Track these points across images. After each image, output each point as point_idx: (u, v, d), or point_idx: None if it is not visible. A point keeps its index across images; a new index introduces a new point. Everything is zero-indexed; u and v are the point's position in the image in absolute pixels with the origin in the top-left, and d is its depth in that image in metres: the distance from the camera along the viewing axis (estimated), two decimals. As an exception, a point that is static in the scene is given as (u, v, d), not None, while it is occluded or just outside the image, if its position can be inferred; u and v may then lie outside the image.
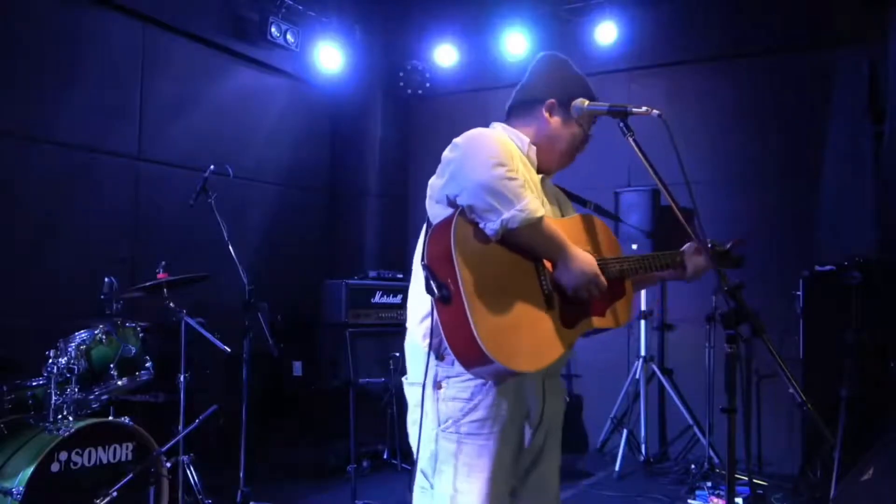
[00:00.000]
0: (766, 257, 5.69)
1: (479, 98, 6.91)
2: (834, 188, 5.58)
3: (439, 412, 2.03)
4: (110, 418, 3.66)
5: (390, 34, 6.90)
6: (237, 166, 4.64)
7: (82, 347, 3.67)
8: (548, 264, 2.09)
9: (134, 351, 3.85)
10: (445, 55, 6.70)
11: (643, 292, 5.86)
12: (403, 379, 2.20)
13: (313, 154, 6.74)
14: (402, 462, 5.51)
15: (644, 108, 2.15)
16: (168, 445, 3.82)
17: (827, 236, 5.52)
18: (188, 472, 4.05)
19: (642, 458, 5.77)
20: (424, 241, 2.04)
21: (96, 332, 3.75)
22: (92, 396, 3.71)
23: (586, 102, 2.24)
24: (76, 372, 3.53)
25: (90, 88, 4.88)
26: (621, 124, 2.16)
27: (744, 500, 4.57)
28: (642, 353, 5.84)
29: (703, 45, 6.03)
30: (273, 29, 5.93)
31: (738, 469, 4.63)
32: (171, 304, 4.03)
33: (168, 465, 3.79)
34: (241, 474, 4.11)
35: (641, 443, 5.82)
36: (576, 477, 5.45)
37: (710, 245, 2.40)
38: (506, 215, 1.90)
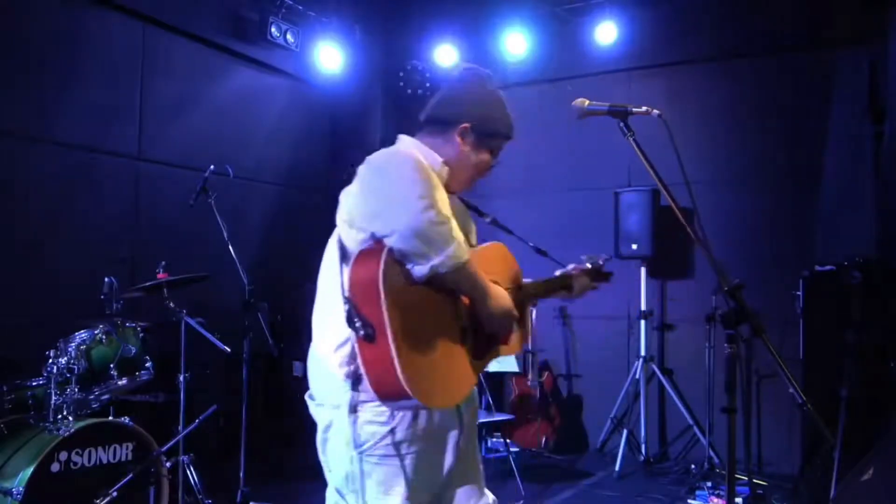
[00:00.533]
0: (766, 257, 5.70)
1: (479, 98, 6.90)
2: (834, 188, 5.58)
3: (356, 435, 2.02)
4: (110, 418, 3.66)
5: (390, 34, 6.90)
6: (237, 166, 4.64)
7: (82, 347, 3.67)
8: (465, 299, 2.12)
9: (134, 351, 3.85)
10: (445, 55, 6.70)
11: (643, 293, 5.86)
12: (308, 398, 2.18)
13: (313, 154, 6.74)
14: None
15: (644, 108, 2.16)
16: (168, 445, 3.82)
17: (827, 236, 5.52)
18: (188, 472, 4.05)
19: (642, 458, 5.77)
20: (342, 270, 2.04)
21: (96, 332, 3.75)
22: (92, 396, 3.71)
23: (587, 102, 2.24)
24: (76, 372, 3.53)
25: (90, 88, 4.88)
26: (621, 124, 2.17)
27: (744, 500, 4.57)
28: (642, 353, 5.84)
29: (703, 45, 6.04)
30: (273, 29, 5.93)
31: (738, 469, 4.63)
32: (171, 304, 4.03)
33: (168, 465, 3.79)
34: (241, 474, 4.11)
35: (641, 443, 5.83)
36: (576, 477, 5.45)
37: (586, 260, 2.68)
38: (435, 261, 1.91)
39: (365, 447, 2.01)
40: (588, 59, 6.31)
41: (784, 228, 5.71)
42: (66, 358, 3.54)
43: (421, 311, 1.97)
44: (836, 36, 5.54)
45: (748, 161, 5.91)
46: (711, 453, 5.29)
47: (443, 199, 2.02)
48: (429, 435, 2.07)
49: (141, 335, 3.93)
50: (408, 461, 2.03)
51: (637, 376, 5.80)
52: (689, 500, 4.75)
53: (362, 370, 1.92)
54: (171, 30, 5.40)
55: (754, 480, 4.84)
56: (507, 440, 5.53)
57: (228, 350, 4.12)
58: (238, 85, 5.99)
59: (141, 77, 5.22)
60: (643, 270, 5.90)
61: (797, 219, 5.68)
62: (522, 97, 6.78)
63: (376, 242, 1.96)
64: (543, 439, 5.89)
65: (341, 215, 2.13)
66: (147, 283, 4.02)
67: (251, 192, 5.97)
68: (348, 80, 6.61)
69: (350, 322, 1.89)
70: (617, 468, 5.45)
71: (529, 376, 5.97)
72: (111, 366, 3.74)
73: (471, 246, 2.28)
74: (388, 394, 1.91)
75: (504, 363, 5.85)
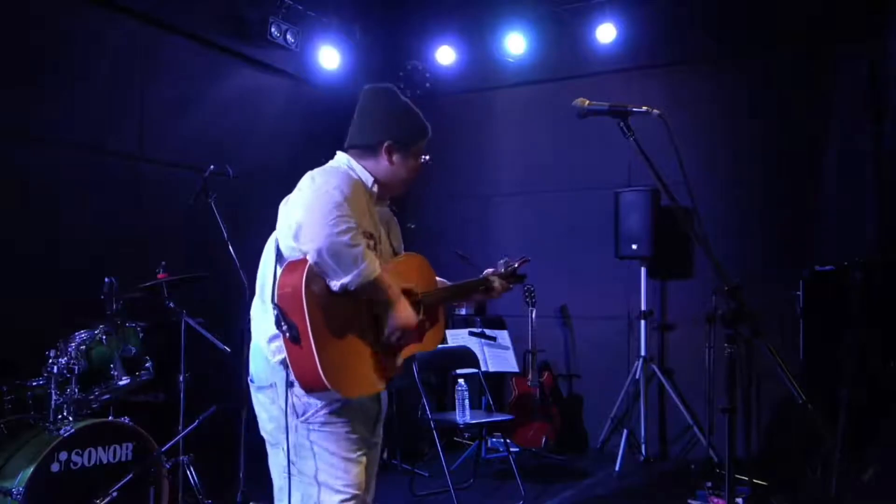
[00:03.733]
0: (766, 257, 5.70)
1: (480, 98, 6.91)
2: (834, 188, 5.58)
3: (295, 406, 2.31)
4: (110, 418, 3.67)
5: (390, 34, 6.90)
6: (237, 166, 4.64)
7: (82, 347, 3.67)
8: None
9: (134, 351, 3.86)
10: (445, 55, 6.70)
11: (643, 293, 5.87)
12: (249, 381, 2.50)
13: (313, 154, 6.63)
14: (402, 463, 5.51)
15: (644, 108, 2.16)
16: (168, 445, 3.82)
17: (827, 236, 5.52)
18: (188, 472, 4.05)
19: (642, 458, 5.77)
20: (275, 272, 2.28)
21: (96, 332, 3.75)
22: (92, 396, 3.71)
23: (587, 102, 2.25)
24: (76, 372, 3.54)
25: (90, 88, 4.87)
26: (621, 124, 2.17)
27: (744, 500, 4.57)
28: (642, 353, 5.84)
29: (702, 45, 6.03)
30: (273, 29, 5.93)
31: (737, 469, 4.62)
32: (171, 304, 4.02)
33: (168, 465, 3.79)
34: (241, 474, 4.10)
35: (641, 443, 5.83)
36: (576, 477, 5.45)
37: (502, 264, 2.87)
38: (345, 279, 2.18)
39: (307, 416, 2.30)
40: (588, 59, 6.31)
41: (784, 228, 5.71)
42: (66, 358, 3.54)
43: (340, 315, 2.25)
44: (836, 36, 5.54)
45: (748, 161, 5.90)
46: (711, 453, 5.29)
47: (364, 218, 2.32)
48: (357, 409, 2.37)
49: (141, 335, 3.93)
50: (346, 428, 2.32)
51: (637, 376, 5.80)
52: (689, 500, 4.74)
53: (289, 365, 2.23)
54: (171, 30, 5.39)
55: (754, 480, 4.84)
56: (507, 440, 5.53)
57: (228, 350, 4.12)
58: (238, 85, 5.99)
59: (141, 77, 5.21)
60: (643, 270, 5.90)
61: (797, 219, 5.67)
62: (522, 97, 6.81)
63: (303, 255, 2.22)
64: (543, 439, 5.88)
65: (281, 224, 2.34)
66: (147, 283, 4.01)
67: (251, 192, 5.96)
68: (348, 80, 6.60)
69: (278, 325, 2.19)
70: (617, 468, 5.45)
71: (529, 376, 5.97)
72: (111, 366, 3.74)
73: (394, 251, 2.59)
74: (312, 387, 2.21)
75: (504, 363, 5.86)
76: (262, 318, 2.40)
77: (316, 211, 2.17)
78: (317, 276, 2.19)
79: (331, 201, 2.18)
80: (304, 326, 2.15)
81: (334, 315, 2.22)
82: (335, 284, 2.19)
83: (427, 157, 2.57)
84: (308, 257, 2.18)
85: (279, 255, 2.32)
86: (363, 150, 2.49)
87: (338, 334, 2.23)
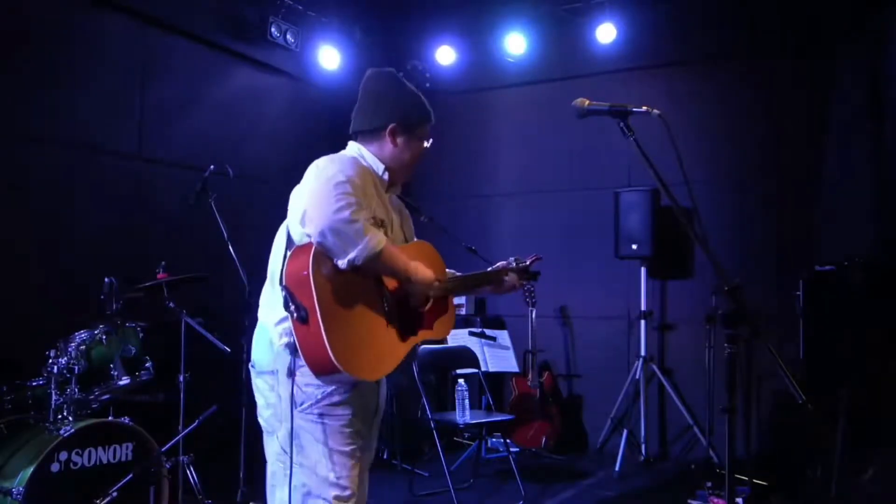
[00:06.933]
0: (766, 257, 5.70)
1: (480, 98, 6.91)
2: (834, 188, 5.58)
3: (295, 396, 2.29)
4: (110, 418, 3.66)
5: (390, 34, 6.90)
6: (237, 166, 4.64)
7: (82, 347, 3.67)
8: (388, 285, 2.39)
9: (134, 351, 3.86)
10: (445, 55, 6.71)
11: (643, 293, 5.88)
12: (251, 367, 2.47)
13: (313, 154, 6.62)
14: (402, 463, 5.51)
15: (644, 108, 2.17)
16: (168, 445, 3.82)
17: (827, 236, 5.52)
18: (188, 472, 4.05)
19: (642, 458, 5.77)
20: (285, 257, 2.28)
21: (96, 332, 3.75)
22: (92, 396, 3.71)
23: (587, 102, 2.26)
24: (76, 372, 3.53)
25: (90, 88, 4.87)
26: (622, 124, 2.17)
27: (744, 500, 4.57)
28: (642, 353, 5.84)
29: (702, 45, 6.04)
30: (273, 29, 5.93)
31: (737, 469, 4.62)
32: (171, 304, 4.02)
33: (168, 465, 3.79)
34: (241, 474, 4.10)
35: (641, 443, 5.82)
36: (576, 477, 5.45)
37: (514, 261, 2.84)
38: (351, 255, 2.19)
39: (304, 406, 2.30)
40: (588, 59, 6.31)
41: (784, 228, 5.71)
42: (66, 358, 3.54)
43: (349, 295, 2.25)
44: (837, 36, 5.54)
45: (748, 161, 5.91)
46: (711, 453, 5.28)
47: (373, 203, 2.35)
48: (356, 403, 2.35)
49: (141, 335, 3.93)
50: (342, 422, 2.31)
51: (637, 376, 5.80)
52: (689, 500, 4.74)
53: (298, 347, 2.21)
54: (171, 30, 5.39)
55: (754, 480, 4.84)
56: (507, 440, 5.53)
57: (228, 350, 4.12)
58: (238, 85, 5.99)
59: (141, 77, 5.21)
60: (643, 270, 5.90)
61: (797, 219, 5.68)
62: (522, 97, 6.81)
63: (310, 238, 2.23)
64: (543, 439, 5.89)
65: (291, 211, 2.37)
66: (147, 283, 4.01)
67: (251, 192, 5.96)
68: (349, 80, 6.59)
69: (286, 306, 2.17)
70: (617, 468, 5.45)
71: (529, 376, 5.97)
72: (111, 366, 3.74)
73: (406, 239, 2.61)
74: (321, 368, 2.19)
75: (504, 363, 5.86)
76: (271, 302, 2.38)
77: (318, 194, 2.21)
78: (324, 256, 2.21)
79: (332, 184, 2.21)
80: (312, 306, 2.15)
81: (343, 295, 2.22)
82: (343, 262, 2.19)
83: (429, 141, 2.56)
84: (313, 240, 2.19)
85: (290, 242, 2.33)
86: (368, 134, 2.51)
87: (347, 314, 2.23)
